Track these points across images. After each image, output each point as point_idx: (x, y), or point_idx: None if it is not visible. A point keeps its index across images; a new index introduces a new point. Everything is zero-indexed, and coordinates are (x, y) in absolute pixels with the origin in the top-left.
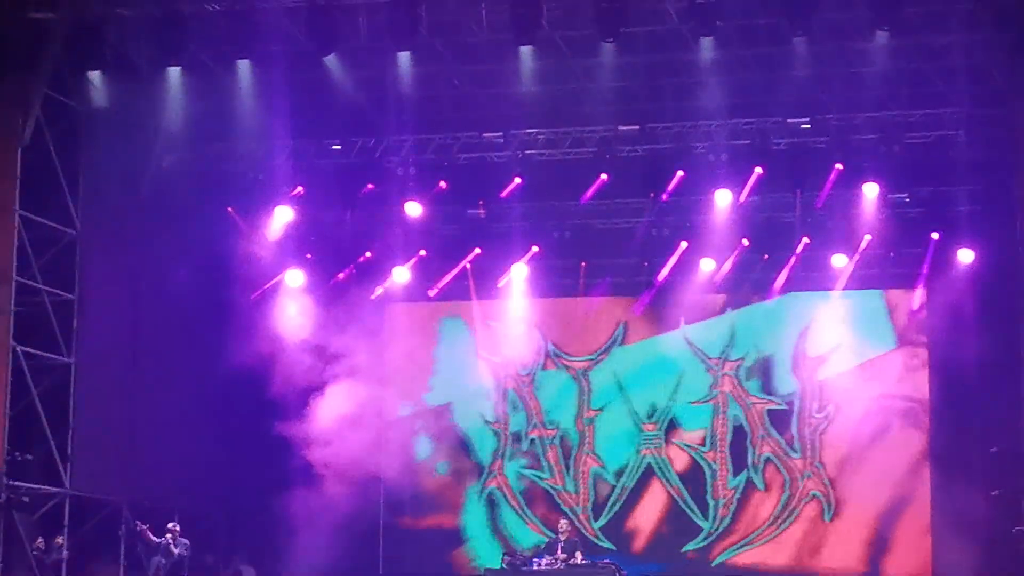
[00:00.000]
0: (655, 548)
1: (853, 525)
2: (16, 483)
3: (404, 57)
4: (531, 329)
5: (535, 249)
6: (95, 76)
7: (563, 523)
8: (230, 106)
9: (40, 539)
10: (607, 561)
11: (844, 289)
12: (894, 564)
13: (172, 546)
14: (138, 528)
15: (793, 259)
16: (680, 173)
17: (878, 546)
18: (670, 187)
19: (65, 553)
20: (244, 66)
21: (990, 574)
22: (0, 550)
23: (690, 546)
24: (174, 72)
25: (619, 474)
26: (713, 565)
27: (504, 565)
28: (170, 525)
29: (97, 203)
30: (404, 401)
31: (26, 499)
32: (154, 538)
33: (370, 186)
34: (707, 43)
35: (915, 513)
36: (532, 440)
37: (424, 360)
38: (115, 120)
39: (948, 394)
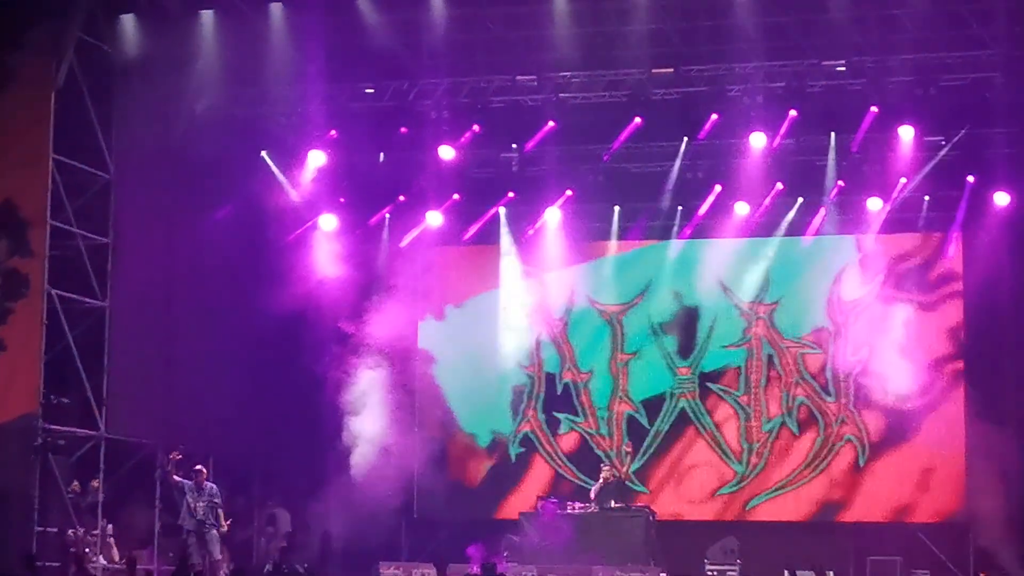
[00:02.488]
0: (688, 492)
1: (887, 470)
2: (52, 426)
3: None
4: (564, 273)
5: (569, 193)
6: (128, 20)
7: (605, 469)
8: (263, 49)
9: (76, 482)
10: (641, 505)
11: (879, 232)
12: (928, 511)
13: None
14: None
15: (828, 202)
16: (714, 116)
17: (912, 493)
18: (704, 130)
19: (100, 496)
20: (277, 9)
21: None
22: (37, 493)
23: (723, 490)
24: (207, 15)
25: (653, 418)
26: (746, 509)
27: (539, 508)
28: (197, 467)
29: (131, 147)
30: (437, 345)
31: (62, 442)
32: (176, 477)
33: (403, 130)
34: None
35: (950, 459)
36: (566, 384)
37: (458, 304)
38: (148, 64)
39: (984, 338)
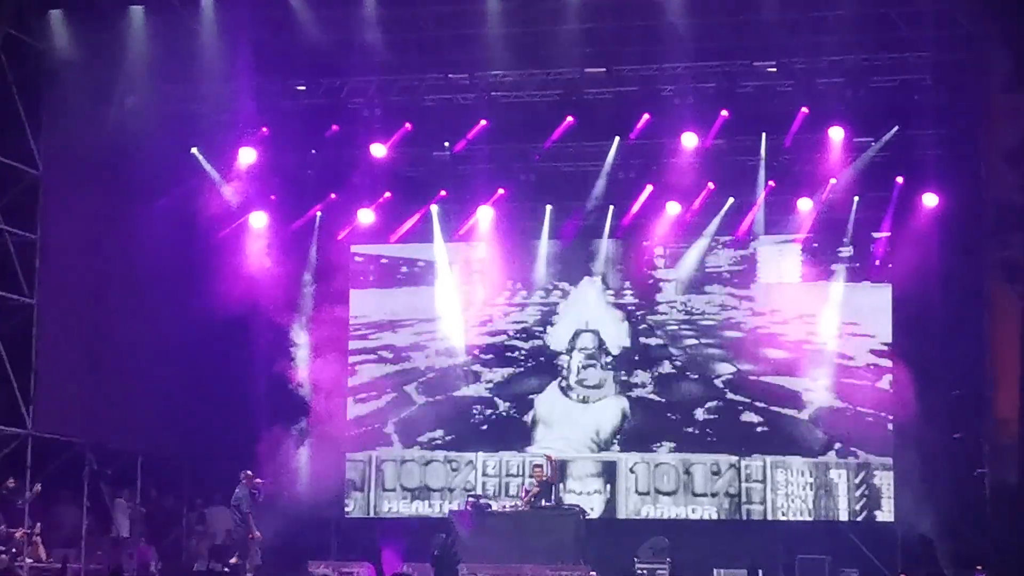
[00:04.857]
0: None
1: (816, 465)
2: None
3: None
4: (497, 271)
5: (501, 191)
6: (57, 15)
7: (536, 470)
8: (194, 46)
9: (12, 480)
10: (571, 504)
11: (808, 232)
12: (856, 510)
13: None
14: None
15: (759, 203)
16: (646, 116)
17: (840, 487)
18: (636, 130)
19: (28, 495)
20: (207, 5)
21: (952, 516)
22: None
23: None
24: (136, 11)
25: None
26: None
27: (468, 507)
28: (250, 474)
29: (60, 143)
30: (370, 341)
31: None
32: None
33: (335, 127)
34: None
35: (877, 458)
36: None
37: (390, 302)
38: (78, 59)
39: (911, 338)
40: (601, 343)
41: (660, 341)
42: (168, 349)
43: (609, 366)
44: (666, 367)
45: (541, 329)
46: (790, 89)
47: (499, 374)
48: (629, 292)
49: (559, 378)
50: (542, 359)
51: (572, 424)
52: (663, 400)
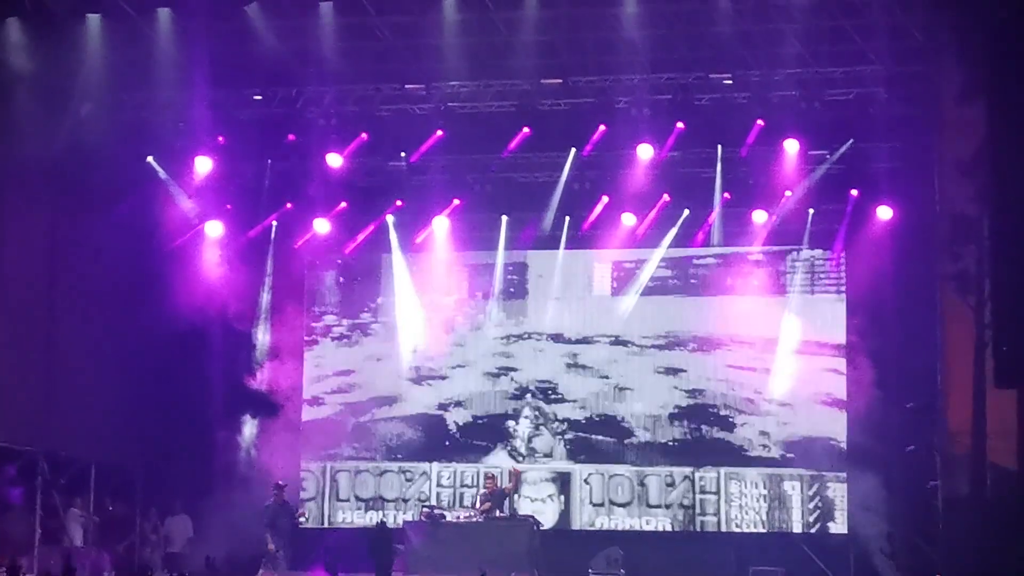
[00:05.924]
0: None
1: (770, 477)
2: None
3: (326, 7)
4: (452, 281)
5: (457, 202)
6: (13, 23)
7: (488, 480)
8: (150, 54)
9: None
10: (525, 515)
11: (764, 245)
12: (809, 517)
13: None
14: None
15: (714, 214)
16: (602, 127)
17: (794, 499)
18: (592, 141)
19: None
20: (164, 14)
21: (904, 528)
22: None
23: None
24: (93, 19)
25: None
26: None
27: (423, 517)
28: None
29: (15, 151)
30: (326, 350)
31: None
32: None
33: (291, 137)
34: None
35: (831, 466)
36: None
37: (346, 311)
38: (34, 67)
39: (865, 350)
40: (548, 405)
41: (614, 352)
42: (122, 357)
43: (558, 432)
44: (620, 379)
45: (496, 341)
46: (745, 101)
47: (453, 385)
48: (584, 302)
49: (505, 442)
50: (496, 371)
51: None
52: (616, 414)
